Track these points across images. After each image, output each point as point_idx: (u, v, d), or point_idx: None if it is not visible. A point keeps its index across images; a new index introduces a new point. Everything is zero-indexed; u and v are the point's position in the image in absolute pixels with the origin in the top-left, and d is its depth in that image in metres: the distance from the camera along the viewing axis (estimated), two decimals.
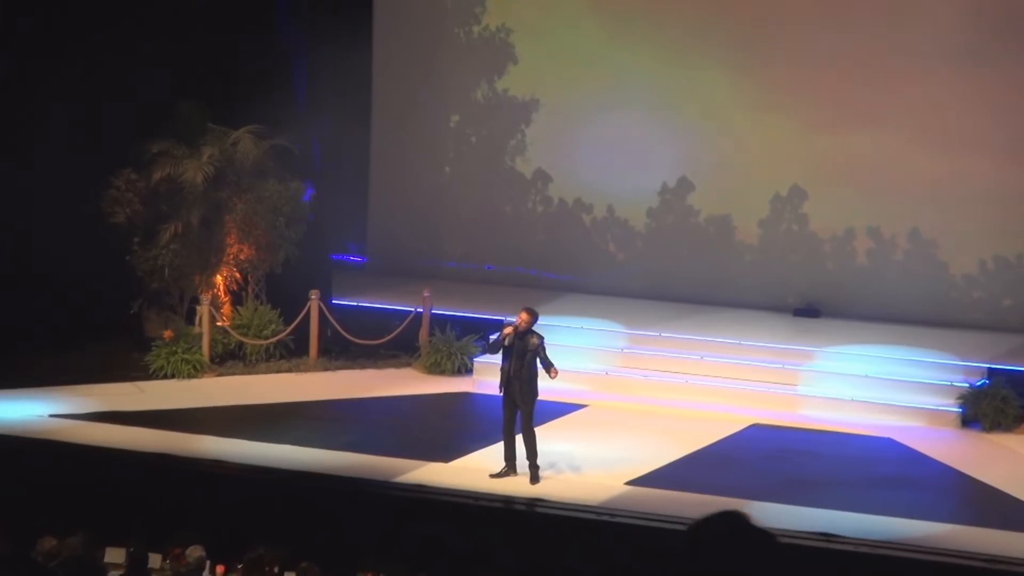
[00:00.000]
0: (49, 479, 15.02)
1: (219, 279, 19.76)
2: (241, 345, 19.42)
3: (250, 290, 19.93)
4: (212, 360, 19.15)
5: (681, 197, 21.72)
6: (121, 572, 11.87)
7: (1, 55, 19.32)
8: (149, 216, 19.48)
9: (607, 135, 21.68)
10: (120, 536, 12.71)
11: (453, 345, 19.33)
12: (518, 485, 15.05)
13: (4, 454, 15.64)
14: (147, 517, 13.54)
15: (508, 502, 14.70)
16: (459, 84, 22.57)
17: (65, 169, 19.02)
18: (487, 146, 22.63)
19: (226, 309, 19.72)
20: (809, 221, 21.24)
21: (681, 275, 21.57)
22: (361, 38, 22.24)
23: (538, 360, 15.11)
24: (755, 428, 17.51)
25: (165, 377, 18.65)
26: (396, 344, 19.70)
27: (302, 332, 19.58)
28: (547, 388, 15.74)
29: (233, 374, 19.11)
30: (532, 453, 15.13)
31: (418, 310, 19.88)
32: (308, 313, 19.54)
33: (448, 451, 16.06)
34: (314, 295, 19.57)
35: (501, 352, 15.23)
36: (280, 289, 19.86)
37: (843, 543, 13.59)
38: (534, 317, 15.25)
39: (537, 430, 15.29)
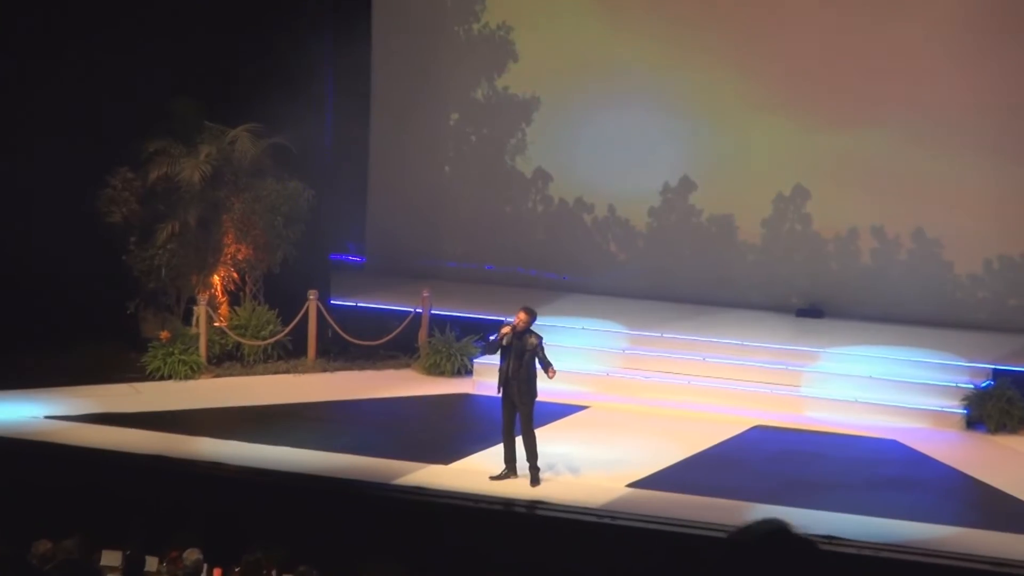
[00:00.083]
0: (44, 481, 14.99)
1: (216, 279, 19.67)
2: (239, 346, 19.32)
3: (248, 290, 19.84)
4: (209, 361, 19.06)
5: (683, 196, 21.59)
6: (117, 575, 11.78)
7: (1, 55, 19.26)
8: (146, 215, 19.40)
9: (608, 133, 21.56)
10: (116, 539, 12.66)
11: (453, 346, 19.23)
12: (518, 487, 14.98)
13: None
14: (144, 519, 13.47)
15: (508, 504, 14.63)
16: (459, 82, 22.45)
17: (65, 169, 18.97)
18: (487, 145, 22.50)
19: (223, 309, 19.63)
20: (812, 221, 21.11)
21: (683, 275, 21.44)
22: (360, 36, 22.13)
23: (536, 360, 15.00)
24: (758, 430, 17.41)
25: (162, 378, 18.58)
26: (395, 345, 19.60)
27: (300, 333, 19.48)
28: (547, 389, 15.65)
29: (230, 375, 19.03)
30: (532, 455, 15.03)
31: (417, 310, 19.76)
32: (306, 313, 19.44)
33: (448, 453, 15.98)
34: (312, 295, 19.47)
35: (499, 352, 15.13)
36: (278, 289, 19.78)
37: (847, 545, 13.47)
38: (532, 317, 15.14)
39: (538, 432, 15.20)
